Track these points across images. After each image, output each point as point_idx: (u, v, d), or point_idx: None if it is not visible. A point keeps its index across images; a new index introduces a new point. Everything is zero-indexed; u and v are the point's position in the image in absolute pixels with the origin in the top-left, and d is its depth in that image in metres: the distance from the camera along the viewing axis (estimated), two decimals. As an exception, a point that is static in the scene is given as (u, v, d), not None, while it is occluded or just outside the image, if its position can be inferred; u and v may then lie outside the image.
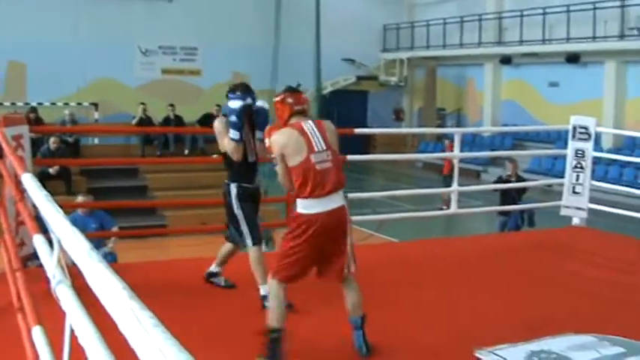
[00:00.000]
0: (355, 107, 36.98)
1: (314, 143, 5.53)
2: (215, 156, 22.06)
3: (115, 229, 12.08)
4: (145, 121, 22.46)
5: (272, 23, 35.48)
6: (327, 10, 35.03)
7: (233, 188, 6.83)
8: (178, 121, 22.85)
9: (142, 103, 23.43)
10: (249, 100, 6.74)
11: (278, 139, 5.59)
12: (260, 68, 35.11)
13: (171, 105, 23.36)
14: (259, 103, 6.89)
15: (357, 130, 10.85)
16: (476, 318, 6.95)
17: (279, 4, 35.65)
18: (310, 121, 5.68)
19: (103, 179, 19.09)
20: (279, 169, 5.69)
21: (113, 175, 19.62)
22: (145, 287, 7.19)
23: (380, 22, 38.68)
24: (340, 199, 5.62)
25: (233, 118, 6.64)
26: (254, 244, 6.84)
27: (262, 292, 6.70)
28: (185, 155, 22.04)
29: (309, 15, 34.81)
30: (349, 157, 10.25)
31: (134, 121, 22.69)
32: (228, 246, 7.38)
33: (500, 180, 15.30)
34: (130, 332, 1.88)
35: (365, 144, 34.02)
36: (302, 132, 5.56)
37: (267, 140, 5.91)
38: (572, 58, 29.70)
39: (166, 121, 22.78)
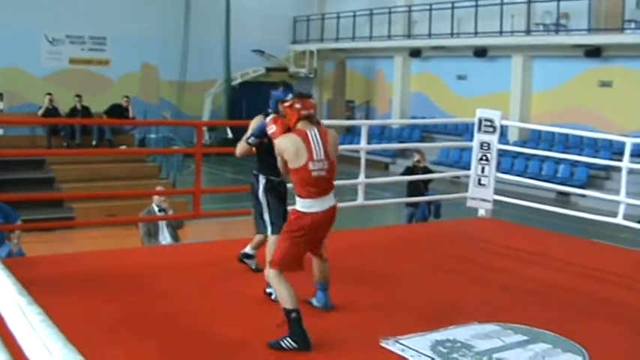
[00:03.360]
0: (264, 99, 35.82)
1: (314, 152, 6.02)
2: (122, 147, 21.86)
3: (18, 223, 11.82)
4: (52, 111, 21.97)
5: (182, 14, 35.24)
6: (237, 1, 34.93)
7: (262, 179, 7.25)
8: (85, 111, 22.43)
9: (49, 94, 22.91)
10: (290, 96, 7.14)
11: (281, 143, 6.13)
12: (170, 59, 34.90)
13: (78, 95, 22.92)
14: None
15: (265, 122, 10.78)
16: (381, 307, 6.99)
17: (189, -6, 35.47)
18: (315, 129, 6.13)
19: (8, 171, 18.58)
20: (279, 161, 6.27)
21: (19, 166, 19.15)
22: (51, 281, 7.15)
23: (290, 13, 38.71)
24: (332, 199, 6.21)
25: (256, 131, 7.14)
26: (273, 232, 7.08)
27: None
28: (92, 146, 21.69)
29: (219, 6, 34.70)
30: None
31: (40, 112, 22.17)
32: (259, 236, 7.69)
33: (407, 169, 15.39)
34: (17, 328, 1.83)
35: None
36: (305, 139, 6.03)
37: (272, 126, 6.46)
38: (480, 52, 30.15)
39: (73, 112, 22.37)
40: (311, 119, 6.19)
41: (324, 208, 6.11)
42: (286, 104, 6.32)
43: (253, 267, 7.91)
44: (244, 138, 7.31)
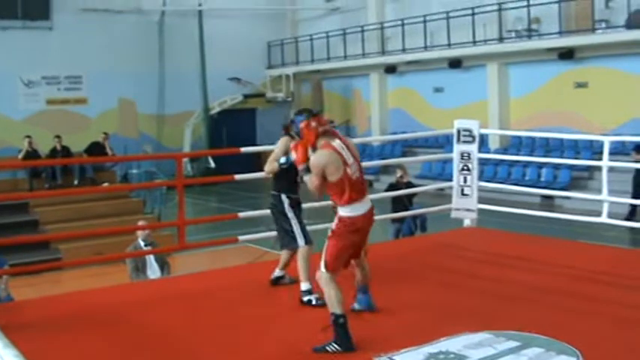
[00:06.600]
0: (244, 125, 36.89)
1: (346, 158, 6.48)
2: (105, 184, 21.78)
3: (5, 267, 11.80)
4: (32, 154, 21.93)
5: (156, 47, 35.24)
6: (210, 30, 35.01)
7: (284, 198, 7.95)
8: (65, 151, 22.39)
9: (28, 136, 22.84)
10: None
11: (320, 160, 6.47)
12: (147, 93, 34.89)
13: (58, 136, 22.90)
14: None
15: (244, 149, 10.82)
16: (371, 322, 7.01)
17: (162, 27, 35.46)
18: (337, 140, 6.60)
19: (-9, 217, 18.57)
20: (311, 180, 6.55)
21: (2, 211, 19.08)
22: (41, 323, 7.12)
23: (264, 39, 38.67)
24: (369, 201, 6.65)
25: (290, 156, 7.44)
26: (305, 243, 7.86)
27: (303, 287, 7.74)
28: (74, 186, 21.64)
29: (192, 37, 34.71)
30: (237, 176, 10.28)
31: (20, 155, 22.12)
32: (286, 253, 8.28)
33: (390, 186, 15.40)
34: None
35: (254, 162, 33.98)
36: (335, 150, 6.49)
37: (293, 153, 6.98)
38: (455, 63, 30.23)
39: (53, 153, 22.32)
40: (328, 133, 6.63)
41: (365, 210, 6.56)
42: (302, 125, 6.79)
43: (288, 281, 8.39)
44: (272, 158, 7.95)
